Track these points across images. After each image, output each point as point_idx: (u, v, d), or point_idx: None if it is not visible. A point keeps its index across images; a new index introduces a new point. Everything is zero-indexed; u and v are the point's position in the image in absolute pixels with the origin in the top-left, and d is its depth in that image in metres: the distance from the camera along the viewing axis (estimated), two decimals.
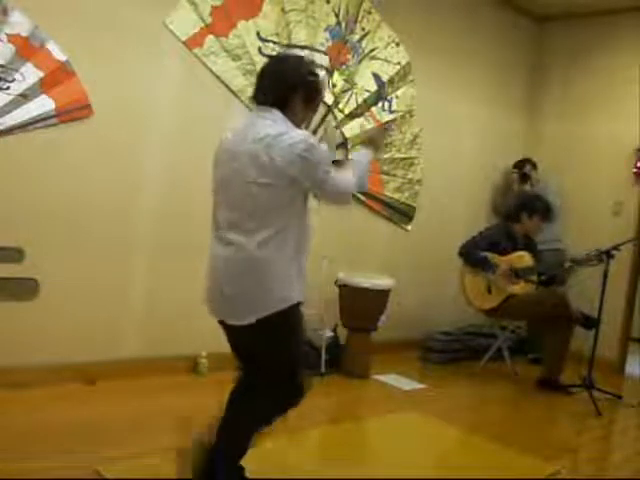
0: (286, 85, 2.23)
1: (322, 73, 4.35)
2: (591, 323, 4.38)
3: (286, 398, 2.31)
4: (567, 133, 5.77)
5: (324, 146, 2.22)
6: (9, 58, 3.20)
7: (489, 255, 4.57)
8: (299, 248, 2.22)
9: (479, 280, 4.60)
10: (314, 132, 4.35)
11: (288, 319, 2.20)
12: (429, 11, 5.07)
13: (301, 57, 2.39)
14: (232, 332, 2.29)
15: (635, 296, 5.40)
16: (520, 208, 4.73)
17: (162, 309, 3.85)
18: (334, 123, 4.55)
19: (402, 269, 4.97)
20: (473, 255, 4.59)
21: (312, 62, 2.39)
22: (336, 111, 4.55)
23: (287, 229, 2.16)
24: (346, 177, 2.27)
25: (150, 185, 3.76)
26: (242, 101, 4.01)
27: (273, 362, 2.26)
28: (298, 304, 2.23)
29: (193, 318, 3.86)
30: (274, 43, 4.13)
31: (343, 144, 4.62)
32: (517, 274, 4.54)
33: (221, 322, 2.30)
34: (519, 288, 4.54)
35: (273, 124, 2.17)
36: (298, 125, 2.26)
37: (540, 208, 4.67)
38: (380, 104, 4.82)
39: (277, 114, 2.20)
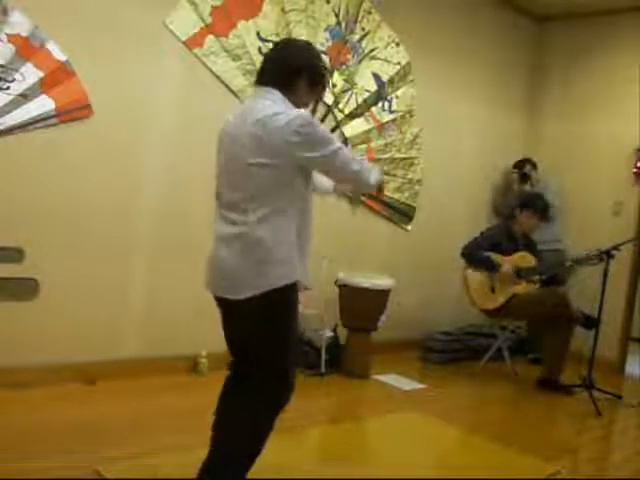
0: (291, 69, 2.23)
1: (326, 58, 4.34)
2: (591, 323, 4.38)
3: (277, 392, 2.28)
4: (567, 133, 5.76)
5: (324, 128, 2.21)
6: (9, 58, 3.20)
7: (492, 255, 4.58)
8: (301, 233, 2.22)
9: (483, 281, 4.61)
10: None
11: (285, 298, 2.19)
12: (429, 11, 5.07)
13: (306, 42, 2.41)
14: (229, 312, 2.28)
15: (635, 296, 5.40)
16: (518, 205, 4.77)
17: (162, 309, 3.85)
18: (334, 123, 4.55)
19: (402, 269, 4.97)
20: (476, 255, 4.60)
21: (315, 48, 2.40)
22: (336, 111, 4.55)
23: (287, 210, 2.16)
24: (362, 161, 2.27)
25: (150, 185, 3.76)
26: (242, 101, 4.00)
27: (267, 349, 2.23)
28: (293, 286, 2.20)
29: (193, 318, 3.87)
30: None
31: (343, 144, 4.63)
32: (520, 274, 4.54)
33: (219, 302, 2.28)
34: (522, 288, 4.55)
35: (272, 104, 2.16)
36: (301, 107, 2.25)
37: (532, 204, 4.68)
38: (380, 104, 4.82)
39: (277, 94, 2.20)
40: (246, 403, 2.28)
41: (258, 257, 2.14)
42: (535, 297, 4.54)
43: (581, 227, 5.44)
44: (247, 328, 2.25)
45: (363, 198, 4.78)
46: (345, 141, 4.63)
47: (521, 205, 4.73)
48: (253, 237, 2.14)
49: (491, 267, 4.54)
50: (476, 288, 4.63)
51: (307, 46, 2.35)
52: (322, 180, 2.49)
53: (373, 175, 2.30)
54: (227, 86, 3.99)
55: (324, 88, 2.38)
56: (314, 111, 4.36)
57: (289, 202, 2.17)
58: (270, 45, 4.10)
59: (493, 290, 4.59)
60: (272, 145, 2.10)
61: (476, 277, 4.63)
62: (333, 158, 2.17)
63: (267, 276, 2.14)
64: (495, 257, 4.58)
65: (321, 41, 4.39)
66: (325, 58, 4.42)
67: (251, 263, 2.15)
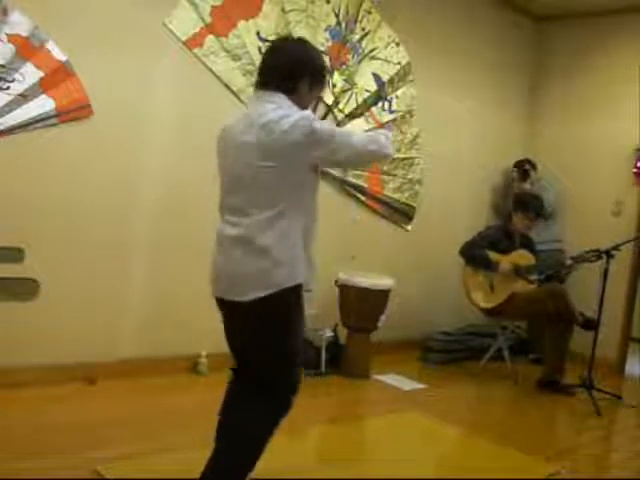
0: (293, 72, 2.22)
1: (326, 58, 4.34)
2: (591, 325, 4.38)
3: (283, 397, 2.27)
4: (567, 133, 5.76)
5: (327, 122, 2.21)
6: (9, 58, 3.20)
7: (490, 253, 4.59)
8: (306, 233, 2.22)
9: (482, 279, 4.61)
10: None
11: (288, 300, 2.18)
12: (429, 11, 5.07)
13: (304, 41, 2.38)
14: (232, 315, 2.27)
15: (635, 296, 5.40)
16: (514, 205, 4.80)
17: (162, 309, 3.85)
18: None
19: (402, 269, 4.97)
20: (474, 254, 4.61)
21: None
22: (336, 111, 4.55)
23: (292, 212, 2.15)
24: (369, 135, 2.25)
25: (150, 185, 3.75)
26: (242, 101, 4.01)
27: (270, 352, 2.22)
28: (298, 288, 2.19)
29: (193, 318, 3.86)
30: None
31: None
32: (519, 272, 4.55)
33: (222, 304, 2.27)
34: (521, 286, 4.55)
35: (278, 108, 2.15)
36: (305, 108, 2.25)
37: (526, 205, 4.68)
38: (380, 104, 4.82)
39: (281, 97, 2.19)
40: (252, 408, 2.26)
41: (261, 259, 2.13)
42: (534, 295, 4.55)
43: (581, 227, 5.43)
44: (250, 331, 2.24)
45: (363, 198, 4.79)
46: None
47: (515, 206, 4.75)
48: (256, 239, 2.13)
49: (489, 266, 4.55)
50: (475, 287, 4.64)
51: (306, 47, 2.32)
52: None
53: (385, 143, 2.25)
54: (227, 86, 3.99)
55: (324, 88, 2.37)
56: (314, 110, 4.37)
57: (295, 204, 2.17)
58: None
59: (492, 289, 4.59)
60: (279, 149, 2.10)
61: (475, 276, 4.63)
62: (342, 150, 2.16)
63: (270, 278, 2.13)
64: (493, 256, 4.59)
65: (321, 41, 4.38)
66: (325, 58, 4.42)
67: (254, 265, 2.14)
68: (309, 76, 2.24)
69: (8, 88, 3.21)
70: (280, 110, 2.14)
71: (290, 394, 2.28)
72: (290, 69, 2.22)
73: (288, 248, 2.15)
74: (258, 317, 2.18)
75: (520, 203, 4.74)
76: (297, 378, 2.28)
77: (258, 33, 4.07)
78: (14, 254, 3.28)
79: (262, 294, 2.13)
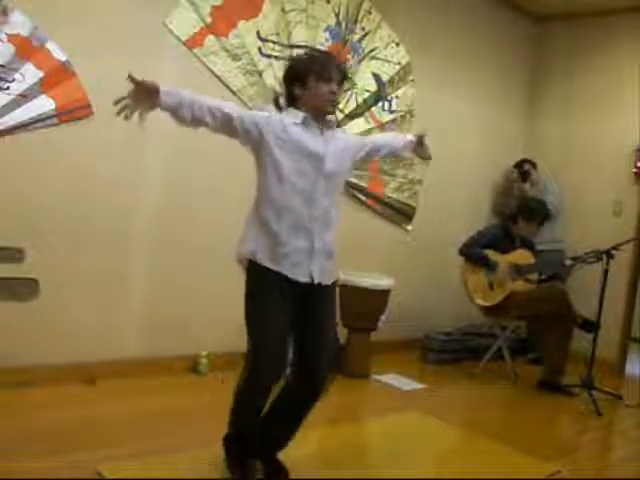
0: (285, 85, 2.48)
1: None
2: (590, 327, 4.38)
3: (249, 368, 2.35)
4: (567, 133, 5.76)
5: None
6: (9, 58, 3.20)
7: (490, 253, 4.59)
8: (276, 221, 2.36)
9: (481, 278, 4.61)
10: None
11: (247, 270, 2.42)
12: (429, 11, 5.07)
13: (290, 58, 2.70)
14: None
15: (635, 296, 5.40)
16: (518, 212, 4.77)
17: (162, 309, 3.85)
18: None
19: (402, 269, 4.97)
20: (474, 253, 4.61)
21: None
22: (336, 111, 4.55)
23: (258, 196, 2.43)
24: None
25: (150, 185, 3.75)
26: (242, 101, 4.01)
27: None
28: (249, 263, 2.39)
29: (193, 318, 3.86)
30: (274, 43, 4.13)
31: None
32: (519, 271, 4.55)
33: None
34: (520, 285, 4.55)
35: None
36: (319, 107, 2.41)
37: (531, 214, 4.68)
38: (380, 104, 4.83)
39: (288, 109, 2.49)
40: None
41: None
42: (534, 294, 4.55)
43: (581, 227, 5.44)
44: None
45: (363, 198, 4.79)
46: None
47: (520, 213, 4.73)
48: None
49: (488, 265, 4.56)
50: (475, 285, 4.64)
51: (289, 63, 2.56)
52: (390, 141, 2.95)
53: None
54: (227, 86, 3.98)
55: (322, 78, 2.41)
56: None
57: (259, 189, 2.44)
58: (270, 45, 4.11)
59: (492, 287, 4.59)
60: None
61: (475, 274, 4.63)
62: None
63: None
64: (493, 256, 4.59)
65: (321, 41, 4.38)
66: None
67: None
68: (292, 80, 2.44)
69: (8, 88, 3.21)
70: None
71: (253, 368, 2.33)
72: (284, 90, 2.50)
73: (249, 226, 2.44)
74: None
75: (525, 211, 4.72)
76: (261, 359, 2.32)
77: (258, 33, 4.07)
78: (14, 254, 3.28)
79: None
